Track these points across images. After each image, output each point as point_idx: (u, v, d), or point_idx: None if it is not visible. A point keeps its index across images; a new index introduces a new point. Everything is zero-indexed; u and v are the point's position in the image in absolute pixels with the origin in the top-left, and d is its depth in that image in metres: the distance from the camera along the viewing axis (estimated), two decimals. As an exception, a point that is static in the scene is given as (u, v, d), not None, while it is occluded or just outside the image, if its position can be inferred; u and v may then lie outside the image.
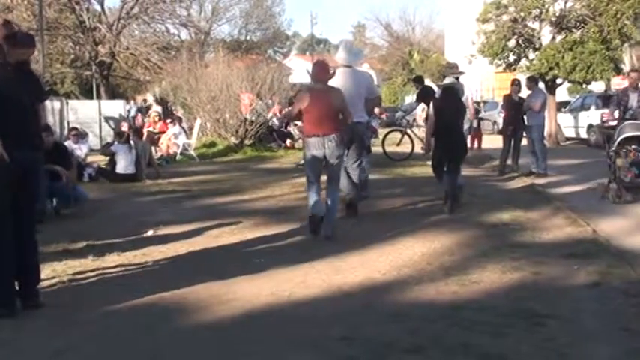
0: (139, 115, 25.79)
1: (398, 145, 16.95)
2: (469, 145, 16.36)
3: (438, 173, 9.16)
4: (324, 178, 7.56)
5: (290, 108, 8.29)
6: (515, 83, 13.41)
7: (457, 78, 9.69)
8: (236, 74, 20.35)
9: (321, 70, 7.55)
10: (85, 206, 9.35)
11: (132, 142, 13.45)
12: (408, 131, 17.20)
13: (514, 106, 13.15)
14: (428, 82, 16.55)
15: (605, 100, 20.50)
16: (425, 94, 14.55)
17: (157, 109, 23.55)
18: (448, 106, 9.04)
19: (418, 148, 16.07)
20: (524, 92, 13.35)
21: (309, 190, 7.43)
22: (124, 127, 16.92)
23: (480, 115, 22.29)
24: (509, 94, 13.45)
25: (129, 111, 26.70)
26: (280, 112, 20.64)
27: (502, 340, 4.16)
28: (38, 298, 5.06)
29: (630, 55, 28.48)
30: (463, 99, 10.23)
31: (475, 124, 17.63)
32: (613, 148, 9.48)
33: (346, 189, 8.37)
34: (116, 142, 13.79)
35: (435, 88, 10.53)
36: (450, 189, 8.82)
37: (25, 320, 4.74)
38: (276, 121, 20.98)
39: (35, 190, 5.15)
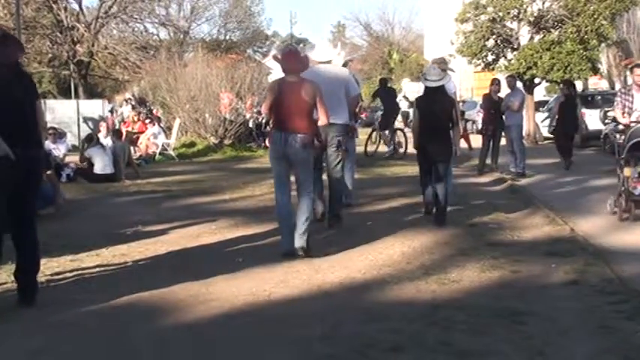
0: (110, 115, 25.49)
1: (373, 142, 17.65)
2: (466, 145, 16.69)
3: (424, 185, 8.29)
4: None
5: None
6: (495, 83, 13.45)
7: (445, 70, 9.11)
8: (215, 74, 20.26)
9: (291, 60, 6.53)
10: (63, 206, 9.27)
11: (103, 143, 13.43)
12: (378, 130, 17.80)
13: (493, 106, 13.21)
14: (408, 81, 16.96)
15: (583, 99, 20.66)
16: (376, 92, 18.03)
17: (126, 108, 23.31)
18: (430, 108, 8.01)
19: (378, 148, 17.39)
20: (504, 91, 13.43)
21: (276, 197, 6.62)
22: (103, 127, 16.81)
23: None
24: (488, 94, 13.49)
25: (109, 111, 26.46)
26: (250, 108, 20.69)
27: (481, 339, 4.18)
28: (35, 295, 5.04)
29: (607, 55, 28.80)
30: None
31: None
32: (622, 155, 8.03)
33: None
34: (86, 146, 13.72)
35: (420, 86, 10.10)
36: (435, 200, 7.99)
37: (3, 321, 4.69)
38: (251, 123, 20.91)
39: (36, 188, 5.24)
